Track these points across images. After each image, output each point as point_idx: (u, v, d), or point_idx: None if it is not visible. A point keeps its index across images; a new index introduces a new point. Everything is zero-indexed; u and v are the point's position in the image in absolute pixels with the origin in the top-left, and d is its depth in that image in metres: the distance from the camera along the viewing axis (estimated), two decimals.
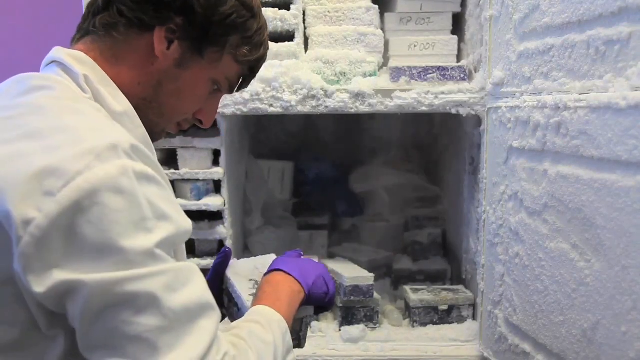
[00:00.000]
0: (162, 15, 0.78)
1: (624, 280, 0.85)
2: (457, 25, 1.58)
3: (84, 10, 0.84)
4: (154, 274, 0.62)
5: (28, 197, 0.59)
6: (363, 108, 1.40)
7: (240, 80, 0.91)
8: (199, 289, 0.66)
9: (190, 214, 1.44)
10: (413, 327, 1.50)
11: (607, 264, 0.89)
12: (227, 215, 1.47)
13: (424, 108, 1.40)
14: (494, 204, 1.29)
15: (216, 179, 1.47)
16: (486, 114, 1.33)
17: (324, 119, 1.84)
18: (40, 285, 0.60)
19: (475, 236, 1.50)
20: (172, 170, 1.43)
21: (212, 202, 1.44)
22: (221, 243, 1.51)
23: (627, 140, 0.83)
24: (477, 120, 1.41)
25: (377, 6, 1.55)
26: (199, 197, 1.47)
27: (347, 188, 2.00)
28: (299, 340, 0.96)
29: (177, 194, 1.45)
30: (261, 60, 0.90)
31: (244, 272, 1.01)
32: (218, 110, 1.38)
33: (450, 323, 1.49)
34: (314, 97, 1.40)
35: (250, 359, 0.71)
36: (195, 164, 1.46)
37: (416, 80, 1.42)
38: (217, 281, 1.02)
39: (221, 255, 1.03)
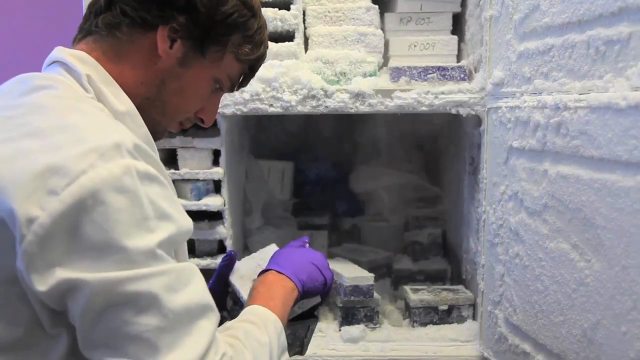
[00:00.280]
0: (166, 14, 0.78)
1: (624, 280, 0.85)
2: (457, 25, 1.58)
3: (84, 11, 0.84)
4: (155, 274, 0.62)
5: (32, 196, 0.60)
6: (363, 108, 1.40)
7: (243, 79, 0.92)
8: (199, 290, 0.67)
9: (190, 214, 1.43)
10: (413, 327, 1.50)
11: (607, 264, 0.89)
12: (227, 215, 1.47)
13: (424, 108, 1.40)
14: (494, 204, 1.29)
15: (216, 179, 1.47)
16: (486, 114, 1.33)
17: (324, 119, 1.84)
18: (42, 283, 0.60)
19: (475, 236, 1.50)
20: (172, 170, 1.43)
21: (212, 202, 1.44)
22: (221, 243, 1.51)
23: (627, 140, 0.83)
24: (477, 120, 1.41)
25: (377, 6, 1.55)
26: (199, 197, 1.47)
27: (347, 188, 2.00)
28: (302, 346, 0.97)
29: (177, 194, 1.44)
30: (261, 59, 0.91)
31: (247, 274, 1.01)
32: (218, 110, 1.39)
33: (450, 323, 1.49)
34: (314, 97, 1.40)
35: (246, 359, 0.71)
36: (195, 164, 1.46)
37: (416, 80, 1.42)
38: (220, 284, 1.03)
39: (226, 258, 1.04)
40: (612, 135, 0.86)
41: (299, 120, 1.99)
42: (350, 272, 1.49)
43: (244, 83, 0.93)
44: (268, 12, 1.46)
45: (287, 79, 1.40)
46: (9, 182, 0.60)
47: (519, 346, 1.17)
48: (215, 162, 1.48)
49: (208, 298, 0.68)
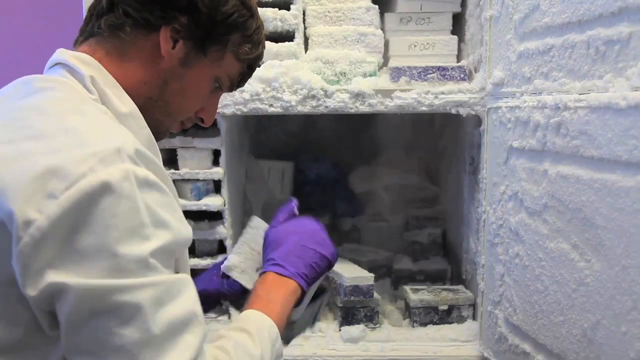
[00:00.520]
0: (168, 15, 0.79)
1: (624, 280, 0.85)
2: (457, 25, 1.58)
3: (84, 11, 0.84)
4: (143, 285, 0.62)
5: (31, 198, 0.59)
6: (363, 108, 1.40)
7: (243, 79, 0.92)
8: (186, 304, 0.66)
9: (190, 214, 1.45)
10: (413, 327, 1.50)
11: (607, 264, 0.89)
12: (227, 215, 1.47)
13: (424, 108, 1.40)
14: (494, 204, 1.29)
15: (216, 179, 1.47)
16: (486, 114, 1.33)
17: (324, 119, 1.84)
18: (33, 288, 0.60)
19: (475, 236, 1.50)
20: (172, 170, 1.43)
21: (212, 202, 1.44)
22: (221, 243, 1.51)
23: (627, 140, 0.83)
24: (477, 120, 1.41)
25: (377, 6, 1.55)
26: (199, 197, 1.47)
27: (347, 188, 2.00)
28: (313, 321, 0.99)
29: (178, 193, 1.44)
30: (259, 58, 0.92)
31: (246, 265, 0.99)
32: (218, 110, 1.39)
33: (450, 323, 1.49)
34: (314, 97, 1.40)
35: None
36: (195, 164, 1.46)
37: (416, 80, 1.42)
38: (217, 282, 1.03)
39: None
40: (612, 135, 0.86)
41: (299, 120, 1.99)
42: (350, 272, 1.49)
43: (242, 82, 0.94)
44: (268, 12, 1.46)
45: (287, 79, 1.40)
46: (8, 184, 0.60)
47: (519, 346, 1.17)
48: (215, 162, 1.48)
49: (195, 311, 0.67)
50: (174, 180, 1.44)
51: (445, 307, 1.50)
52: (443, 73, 1.42)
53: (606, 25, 0.89)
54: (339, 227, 1.99)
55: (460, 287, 1.58)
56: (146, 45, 0.80)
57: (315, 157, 2.04)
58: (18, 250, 0.59)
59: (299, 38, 1.49)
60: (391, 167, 2.02)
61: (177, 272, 0.71)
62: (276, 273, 0.90)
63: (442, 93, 1.39)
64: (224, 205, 1.46)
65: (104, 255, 0.60)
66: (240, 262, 1.00)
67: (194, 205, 1.44)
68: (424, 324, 1.50)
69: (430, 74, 1.42)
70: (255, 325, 0.80)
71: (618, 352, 0.87)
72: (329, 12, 1.54)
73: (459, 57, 1.56)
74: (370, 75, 1.47)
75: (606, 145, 0.87)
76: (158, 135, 0.83)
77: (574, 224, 0.97)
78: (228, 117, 1.45)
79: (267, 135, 2.04)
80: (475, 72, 1.43)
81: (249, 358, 0.75)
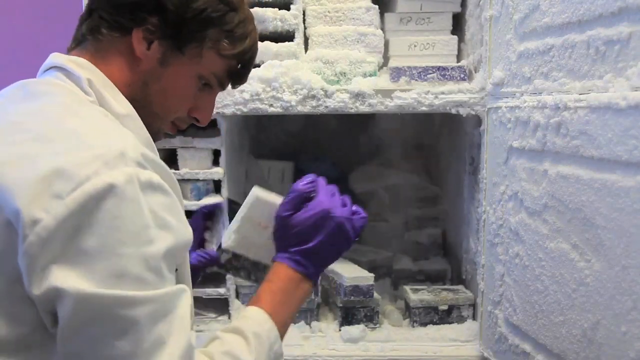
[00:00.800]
0: (137, 17, 0.79)
1: (624, 280, 0.85)
2: (457, 25, 1.58)
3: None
4: (142, 301, 0.63)
5: (37, 198, 0.60)
6: (363, 108, 1.40)
7: (233, 75, 0.90)
8: (177, 320, 0.66)
9: (191, 214, 1.45)
10: (413, 327, 1.50)
11: (607, 264, 0.89)
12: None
13: (424, 108, 1.40)
14: (494, 204, 1.29)
15: (216, 179, 1.47)
16: (486, 114, 1.33)
17: (324, 118, 1.84)
18: (37, 287, 0.61)
19: (475, 236, 1.50)
20: (172, 170, 1.43)
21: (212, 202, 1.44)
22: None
23: (627, 140, 0.83)
24: (477, 120, 1.41)
25: (377, 6, 1.55)
26: (199, 197, 1.47)
27: (347, 188, 2.00)
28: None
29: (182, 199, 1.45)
30: (247, 53, 0.89)
31: (258, 241, 0.95)
32: (218, 111, 1.39)
33: (450, 323, 1.49)
34: (314, 97, 1.40)
35: None
36: (195, 164, 1.46)
37: (416, 80, 1.42)
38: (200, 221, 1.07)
39: (210, 207, 1.07)
40: (612, 135, 0.86)
41: (299, 120, 1.99)
42: (350, 272, 1.49)
43: (238, 80, 0.92)
44: (268, 12, 1.46)
45: (287, 79, 1.40)
46: (15, 184, 0.61)
47: (519, 346, 1.17)
48: (215, 162, 1.48)
49: (186, 324, 0.67)
50: None
51: (445, 307, 1.50)
52: (443, 73, 1.42)
53: (606, 25, 0.89)
54: None
55: (460, 287, 1.58)
56: (124, 48, 0.80)
57: (315, 157, 2.04)
58: (24, 248, 0.60)
59: (299, 38, 1.49)
60: (391, 167, 2.02)
61: (178, 273, 0.71)
62: (296, 271, 0.88)
63: (442, 93, 1.39)
64: None
65: (108, 257, 0.61)
66: (243, 238, 0.95)
67: (194, 205, 1.44)
68: (424, 324, 1.50)
69: (430, 74, 1.42)
70: (254, 328, 0.80)
71: (618, 352, 0.87)
72: (329, 12, 1.54)
73: (459, 57, 1.56)
74: (370, 75, 1.47)
75: (606, 145, 0.87)
76: (151, 136, 0.83)
77: (574, 224, 0.97)
78: (228, 117, 1.45)
79: (267, 135, 2.04)
80: (475, 72, 1.43)
81: None
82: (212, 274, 1.47)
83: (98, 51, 0.81)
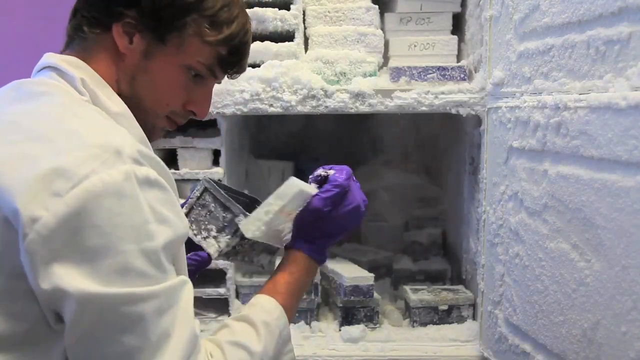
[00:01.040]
0: (115, 12, 0.78)
1: (624, 280, 0.85)
2: (457, 25, 1.58)
3: None
4: (147, 296, 0.64)
5: (36, 197, 0.61)
6: (363, 108, 1.40)
7: (224, 63, 0.85)
8: (183, 311, 0.68)
9: None
10: (413, 327, 1.50)
11: (607, 264, 0.89)
12: None
13: (424, 108, 1.40)
14: (494, 204, 1.29)
15: (216, 179, 1.46)
16: (486, 114, 1.33)
17: (324, 119, 1.84)
18: (40, 285, 0.61)
19: (475, 236, 1.50)
20: (172, 170, 1.43)
21: None
22: None
23: (627, 140, 0.83)
24: (477, 120, 1.41)
25: (377, 6, 1.55)
26: None
27: None
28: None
29: (178, 194, 1.45)
30: (235, 38, 0.84)
31: (271, 228, 0.93)
32: (218, 111, 1.39)
33: (450, 323, 1.49)
34: (314, 97, 1.40)
35: None
36: (195, 164, 1.46)
37: (416, 80, 1.42)
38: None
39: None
40: (612, 135, 0.86)
41: (299, 120, 1.99)
42: (350, 272, 1.49)
43: (230, 68, 0.87)
44: (268, 12, 1.47)
45: (287, 79, 1.40)
46: (13, 183, 0.62)
47: (519, 346, 1.17)
48: (215, 162, 1.48)
49: (189, 315, 0.69)
50: None
51: (445, 307, 1.50)
52: (443, 73, 1.42)
53: (606, 25, 0.89)
54: None
55: (460, 287, 1.58)
56: (108, 45, 0.80)
57: (315, 157, 2.04)
58: (25, 247, 0.60)
59: (299, 38, 1.49)
60: (391, 167, 2.02)
61: (174, 266, 0.72)
62: (315, 260, 0.93)
63: (442, 93, 1.39)
64: None
65: (110, 254, 0.62)
66: (269, 228, 0.93)
67: None
68: (424, 324, 1.50)
69: (430, 74, 1.42)
70: (263, 317, 0.83)
71: (618, 352, 0.87)
72: (329, 12, 1.54)
73: (459, 57, 1.56)
74: (370, 75, 1.47)
75: (606, 145, 0.87)
76: (147, 134, 0.82)
77: (574, 224, 0.97)
78: (228, 117, 1.45)
79: (267, 135, 2.05)
80: (475, 72, 1.43)
81: (246, 355, 0.77)
82: (211, 270, 1.47)
83: (85, 50, 0.81)
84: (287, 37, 1.50)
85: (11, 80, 0.78)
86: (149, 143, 0.81)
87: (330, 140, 2.05)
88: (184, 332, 0.68)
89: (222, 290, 1.47)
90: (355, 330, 1.44)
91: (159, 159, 0.72)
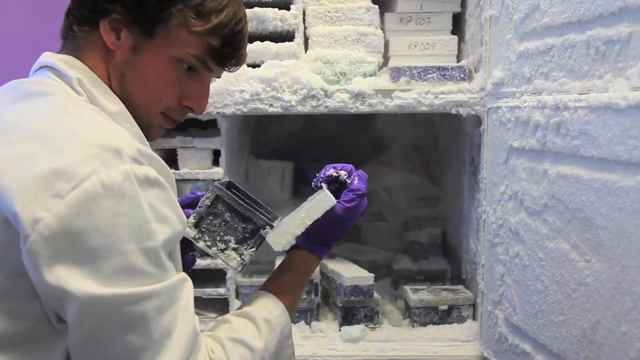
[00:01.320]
0: (100, 8, 0.78)
1: (624, 280, 0.85)
2: (457, 25, 1.58)
3: None
4: (149, 295, 0.65)
5: (36, 198, 0.61)
6: (363, 108, 1.40)
7: (216, 55, 0.83)
8: (181, 310, 0.69)
9: None
10: (413, 327, 1.50)
11: (607, 264, 0.89)
12: None
13: (424, 108, 1.40)
14: (494, 204, 1.29)
15: (216, 179, 1.46)
16: (486, 114, 1.33)
17: (324, 118, 1.84)
18: (48, 282, 0.61)
19: (475, 236, 1.50)
20: (172, 170, 1.43)
21: None
22: None
23: (627, 140, 0.83)
24: (477, 120, 1.41)
25: (377, 6, 1.55)
26: None
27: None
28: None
29: (177, 194, 1.45)
30: (225, 27, 0.81)
31: (289, 231, 0.92)
32: (218, 111, 1.39)
33: (450, 323, 1.49)
34: (314, 97, 1.40)
35: None
36: (195, 164, 1.46)
37: (416, 80, 1.42)
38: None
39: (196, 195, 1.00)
40: (612, 135, 0.86)
41: (299, 120, 1.99)
42: (350, 272, 1.49)
43: (224, 60, 0.85)
44: (268, 12, 1.46)
45: (287, 79, 1.40)
46: (13, 184, 0.62)
47: (519, 346, 1.17)
48: (215, 162, 1.48)
49: (190, 313, 0.70)
50: None
51: (445, 307, 1.50)
52: (443, 73, 1.42)
53: (606, 25, 0.89)
54: None
55: (460, 287, 1.58)
56: (97, 42, 0.80)
57: (315, 157, 2.04)
58: (27, 248, 0.60)
59: (299, 38, 1.49)
60: (391, 167, 2.02)
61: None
62: (320, 259, 0.96)
63: (442, 93, 1.39)
64: None
65: (112, 254, 0.62)
66: (291, 239, 0.92)
67: None
68: (424, 324, 1.50)
69: (430, 74, 1.42)
70: (264, 314, 0.84)
71: (618, 352, 0.87)
72: (329, 12, 1.54)
73: (459, 57, 1.56)
74: (370, 75, 1.47)
75: (606, 145, 0.87)
76: (143, 131, 0.82)
77: (574, 224, 0.97)
78: (228, 117, 1.45)
79: (267, 135, 2.05)
80: (475, 72, 1.43)
81: (247, 352, 0.78)
82: (211, 270, 1.47)
83: (77, 48, 0.80)
84: (287, 37, 1.50)
85: (10, 79, 0.78)
86: (146, 141, 0.81)
87: (330, 140, 2.06)
88: (185, 329, 0.68)
89: (222, 290, 1.47)
90: (355, 330, 1.44)
91: (158, 157, 0.72)
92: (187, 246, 0.94)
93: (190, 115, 0.89)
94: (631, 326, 0.84)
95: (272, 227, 0.91)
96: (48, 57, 0.79)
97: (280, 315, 0.86)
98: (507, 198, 1.22)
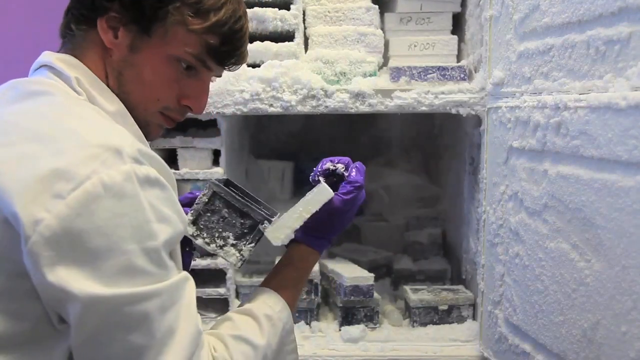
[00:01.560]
0: (97, 6, 0.78)
1: (624, 280, 0.85)
2: (457, 25, 1.58)
3: None
4: (151, 295, 0.65)
5: (36, 199, 0.61)
6: (363, 108, 1.40)
7: (214, 53, 0.82)
8: (183, 308, 0.69)
9: None
10: (413, 327, 1.50)
11: (607, 264, 0.89)
12: None
13: (424, 108, 1.40)
14: (494, 204, 1.29)
15: (216, 179, 1.46)
16: (486, 114, 1.33)
17: (324, 118, 1.84)
18: (45, 287, 0.61)
19: (475, 236, 1.50)
20: (172, 170, 1.43)
21: None
22: None
23: (627, 140, 0.83)
24: (477, 120, 1.41)
25: (377, 6, 1.55)
26: None
27: None
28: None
29: (178, 194, 1.45)
30: (224, 26, 0.80)
31: (288, 226, 0.92)
32: (218, 111, 1.39)
33: (450, 323, 1.49)
34: (314, 97, 1.40)
35: None
36: (195, 164, 1.46)
37: (416, 80, 1.42)
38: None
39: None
40: (612, 135, 0.86)
41: (299, 120, 1.99)
42: (350, 272, 1.49)
43: (223, 59, 0.84)
44: (268, 12, 1.46)
45: (287, 79, 1.40)
46: (13, 184, 0.62)
47: (519, 346, 1.17)
48: (215, 162, 1.48)
49: (192, 311, 0.70)
50: None
51: (445, 307, 1.50)
52: (443, 73, 1.42)
53: (606, 25, 0.89)
54: None
55: (460, 287, 1.58)
56: (95, 41, 0.79)
57: (315, 157, 2.03)
58: (28, 249, 0.60)
59: (299, 38, 1.49)
60: (391, 166, 2.02)
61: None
62: (319, 254, 0.95)
63: (442, 93, 1.39)
64: None
65: (113, 255, 0.62)
66: (290, 233, 0.91)
67: None
68: (424, 324, 1.50)
69: (430, 74, 1.42)
70: (266, 310, 0.84)
71: (618, 352, 0.87)
72: (329, 12, 1.54)
73: (459, 57, 1.56)
74: (370, 75, 1.47)
75: (606, 145, 0.87)
76: (142, 130, 0.82)
77: (574, 224, 0.97)
78: (228, 117, 1.45)
79: (267, 135, 2.05)
80: (475, 72, 1.43)
81: (250, 349, 0.78)
82: (211, 270, 1.47)
83: (75, 47, 0.80)
84: (287, 37, 1.50)
85: (10, 79, 0.78)
86: (145, 141, 0.81)
87: (330, 140, 2.06)
88: (188, 328, 0.68)
89: (222, 290, 1.47)
90: (355, 330, 1.44)
91: (158, 157, 0.72)
92: (185, 245, 0.94)
93: (189, 114, 0.88)
94: (631, 326, 0.84)
95: (270, 222, 0.91)
96: (47, 57, 0.79)
97: (282, 311, 0.86)
98: (507, 198, 1.22)
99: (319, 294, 1.52)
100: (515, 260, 1.18)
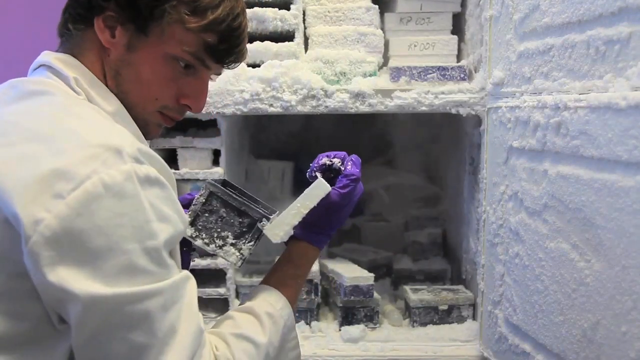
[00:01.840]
0: (94, 5, 0.78)
1: (624, 280, 0.85)
2: (457, 25, 1.58)
3: None
4: (152, 293, 0.65)
5: (36, 199, 0.61)
6: (363, 108, 1.40)
7: (213, 52, 0.81)
8: (185, 307, 0.69)
9: None
10: (413, 327, 1.50)
11: (607, 264, 0.89)
12: None
13: (424, 108, 1.40)
14: (494, 204, 1.29)
15: (216, 179, 1.46)
16: (486, 114, 1.33)
17: (324, 118, 1.84)
18: (45, 287, 0.62)
19: (475, 236, 1.50)
20: (172, 170, 1.43)
21: None
22: None
23: (627, 140, 0.83)
24: (477, 120, 1.41)
25: (377, 6, 1.55)
26: None
27: None
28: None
29: (178, 194, 1.45)
30: (222, 24, 0.80)
31: (286, 222, 0.91)
32: (218, 111, 1.39)
33: (450, 323, 1.49)
34: (314, 97, 1.40)
35: None
36: (195, 164, 1.46)
37: (416, 80, 1.42)
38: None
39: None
40: (612, 135, 0.86)
41: (299, 120, 1.99)
42: (350, 272, 1.49)
43: (222, 57, 0.83)
44: (268, 12, 1.46)
45: (287, 79, 1.40)
46: (13, 184, 0.62)
47: (519, 346, 1.17)
48: (215, 162, 1.48)
49: (194, 310, 0.70)
50: None
51: (445, 307, 1.50)
52: (443, 73, 1.42)
53: (606, 25, 0.89)
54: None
55: (460, 287, 1.58)
56: (92, 40, 0.79)
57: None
58: (28, 249, 0.60)
59: (299, 38, 1.49)
60: (391, 167, 2.02)
61: None
62: (319, 250, 0.94)
63: (442, 93, 1.39)
64: None
65: (114, 254, 0.62)
66: (289, 230, 0.91)
67: None
68: (424, 324, 1.50)
69: (430, 74, 1.42)
70: (267, 308, 0.84)
71: (618, 352, 0.87)
72: (329, 12, 1.54)
73: (459, 57, 1.56)
74: (370, 75, 1.47)
75: (606, 145, 0.87)
76: (140, 130, 0.82)
77: (574, 224, 0.97)
78: (228, 117, 1.45)
79: (267, 135, 2.05)
80: (475, 72, 1.43)
81: (252, 347, 0.78)
82: (211, 270, 1.47)
83: (73, 47, 0.80)
84: (287, 37, 1.50)
85: (10, 79, 0.78)
86: (145, 140, 0.81)
87: (330, 140, 2.05)
88: (190, 327, 0.68)
89: (222, 290, 1.47)
90: (355, 330, 1.44)
91: (158, 157, 0.72)
92: (183, 246, 0.94)
93: (189, 114, 0.88)
94: (631, 326, 0.84)
95: (269, 219, 0.91)
96: (46, 56, 0.79)
97: (283, 308, 0.86)
98: (507, 198, 1.22)
99: (319, 294, 1.52)
100: (515, 260, 1.18)
